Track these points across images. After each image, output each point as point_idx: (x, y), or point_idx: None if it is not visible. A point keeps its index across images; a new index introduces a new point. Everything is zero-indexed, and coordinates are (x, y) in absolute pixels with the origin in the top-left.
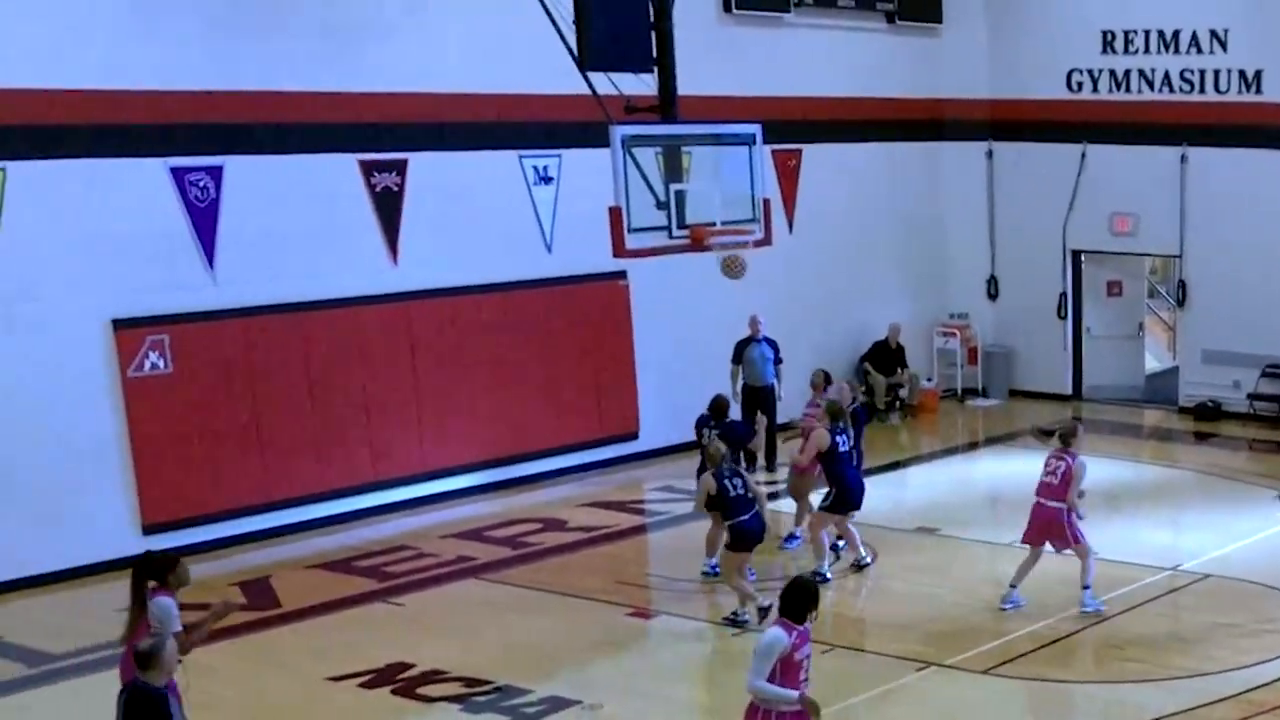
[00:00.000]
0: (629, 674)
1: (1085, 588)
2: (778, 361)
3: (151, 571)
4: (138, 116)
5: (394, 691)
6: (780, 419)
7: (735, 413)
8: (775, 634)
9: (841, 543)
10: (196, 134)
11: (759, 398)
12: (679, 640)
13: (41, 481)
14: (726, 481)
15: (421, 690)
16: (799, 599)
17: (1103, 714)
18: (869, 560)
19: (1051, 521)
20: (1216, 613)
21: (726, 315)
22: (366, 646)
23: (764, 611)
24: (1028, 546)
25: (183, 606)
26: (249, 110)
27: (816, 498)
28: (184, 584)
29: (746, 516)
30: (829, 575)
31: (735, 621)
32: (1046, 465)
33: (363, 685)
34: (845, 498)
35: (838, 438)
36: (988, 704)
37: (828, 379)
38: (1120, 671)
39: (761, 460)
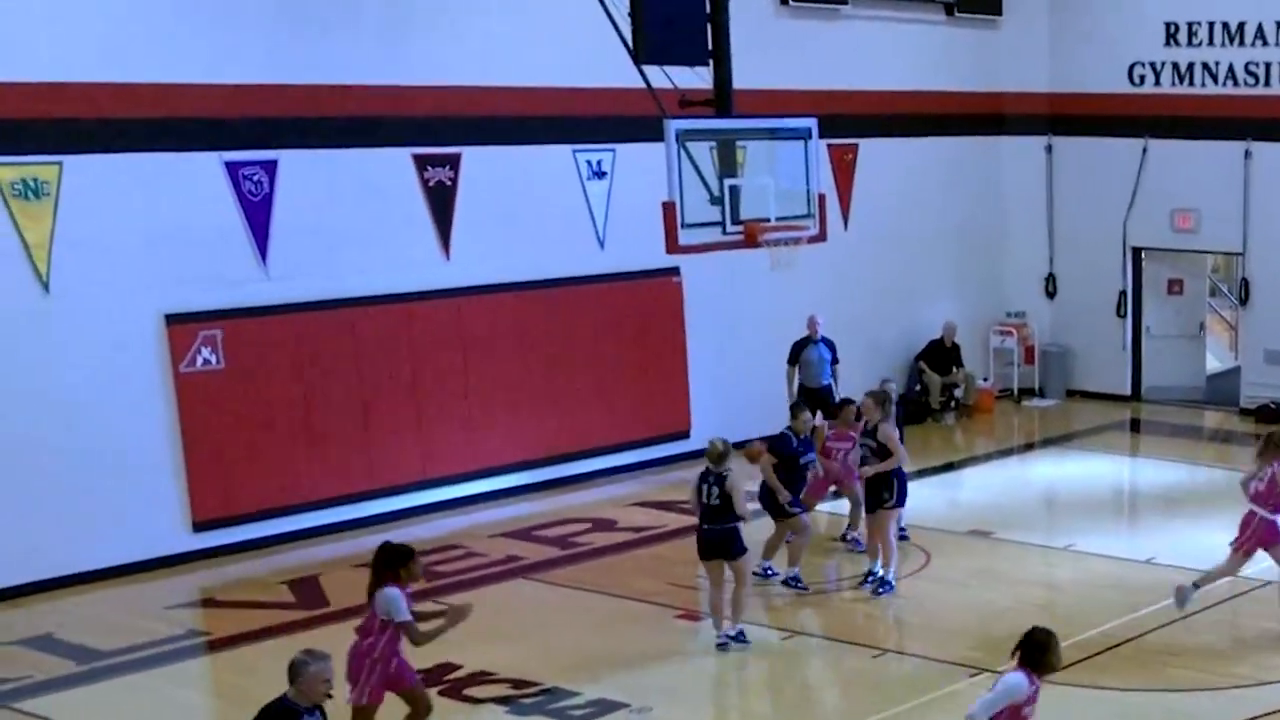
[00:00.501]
0: (678, 678)
1: None
2: (835, 362)
3: (387, 562)
4: (192, 110)
5: (441, 692)
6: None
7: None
8: (1019, 680)
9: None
10: (250, 128)
11: (816, 399)
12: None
13: (92, 478)
14: (703, 485)
15: (468, 691)
16: (1039, 649)
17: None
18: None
19: (1270, 529)
20: (1277, 621)
21: (780, 313)
22: (414, 647)
23: (738, 636)
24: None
25: (226, 604)
26: (303, 104)
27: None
28: (415, 578)
29: (707, 525)
30: (893, 581)
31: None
32: (1259, 472)
33: None
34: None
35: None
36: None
37: (858, 414)
38: (1176, 679)
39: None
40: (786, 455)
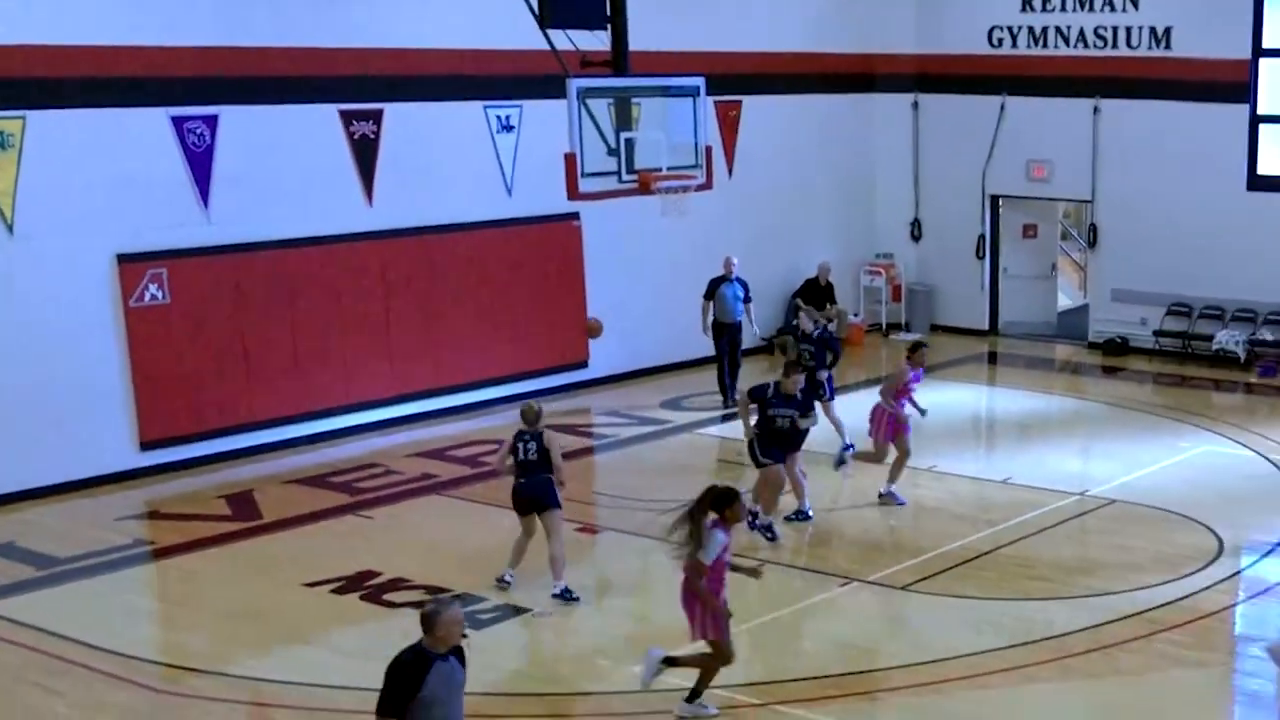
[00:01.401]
0: (576, 583)
1: None
2: (747, 300)
3: (712, 504)
4: (142, 70)
5: (362, 597)
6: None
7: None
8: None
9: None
10: (194, 86)
11: (727, 332)
12: (621, 555)
13: (50, 401)
14: (519, 443)
15: (387, 596)
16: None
17: (1011, 629)
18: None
19: None
20: (1121, 536)
21: (671, 255)
22: (338, 555)
23: (565, 593)
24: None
25: (170, 516)
26: (241, 64)
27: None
28: (737, 520)
29: (524, 480)
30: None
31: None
32: None
33: (334, 591)
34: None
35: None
36: (905, 617)
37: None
38: (1030, 590)
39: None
40: (758, 402)
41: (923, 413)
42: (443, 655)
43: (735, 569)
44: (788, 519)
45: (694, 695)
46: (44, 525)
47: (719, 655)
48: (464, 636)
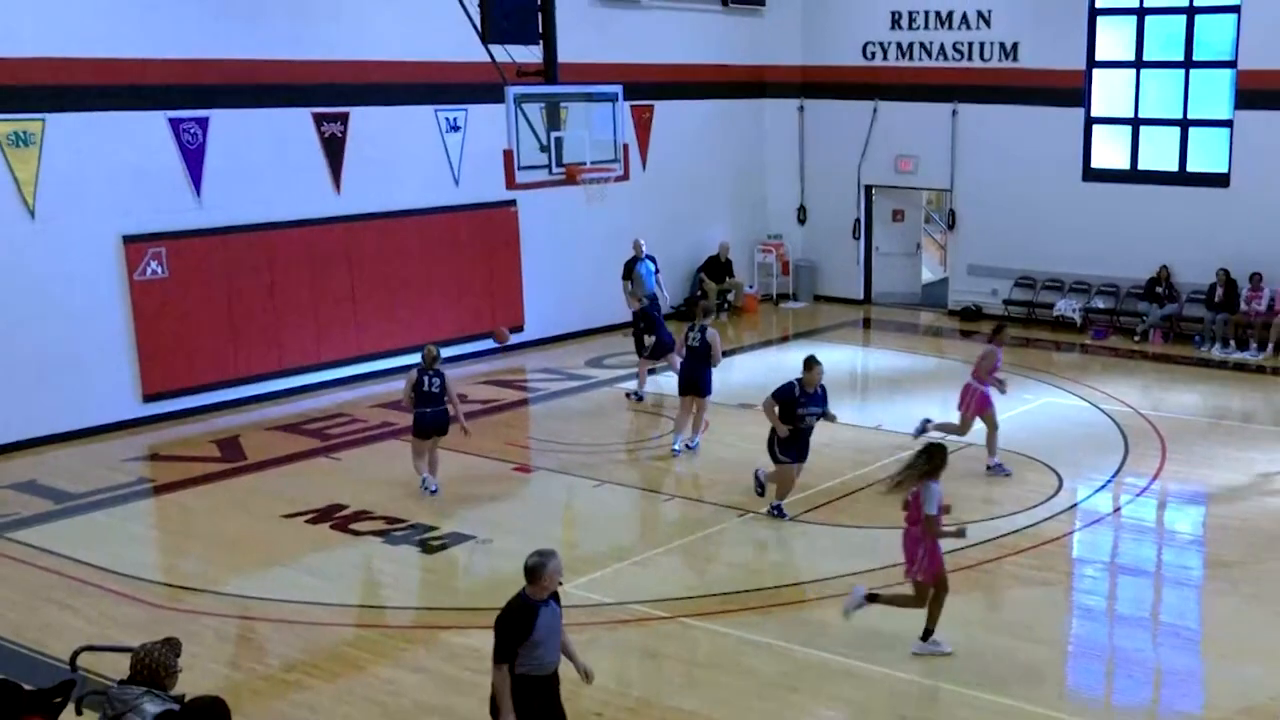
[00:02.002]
0: (512, 516)
1: None
2: (658, 274)
3: (933, 458)
4: (144, 79)
5: (332, 526)
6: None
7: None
8: None
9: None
10: (188, 93)
11: (645, 304)
12: (551, 490)
13: (65, 360)
14: (423, 379)
15: (353, 526)
16: None
17: (881, 554)
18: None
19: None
20: (976, 474)
21: (593, 236)
22: (312, 491)
23: (430, 489)
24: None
25: (168, 458)
26: (228, 74)
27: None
28: (943, 467)
29: (430, 410)
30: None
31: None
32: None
33: (308, 521)
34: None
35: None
36: (792, 542)
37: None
38: (897, 520)
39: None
40: (785, 403)
41: (1002, 389)
42: (544, 601)
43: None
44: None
45: (927, 634)
46: (60, 466)
47: (920, 597)
48: (560, 584)
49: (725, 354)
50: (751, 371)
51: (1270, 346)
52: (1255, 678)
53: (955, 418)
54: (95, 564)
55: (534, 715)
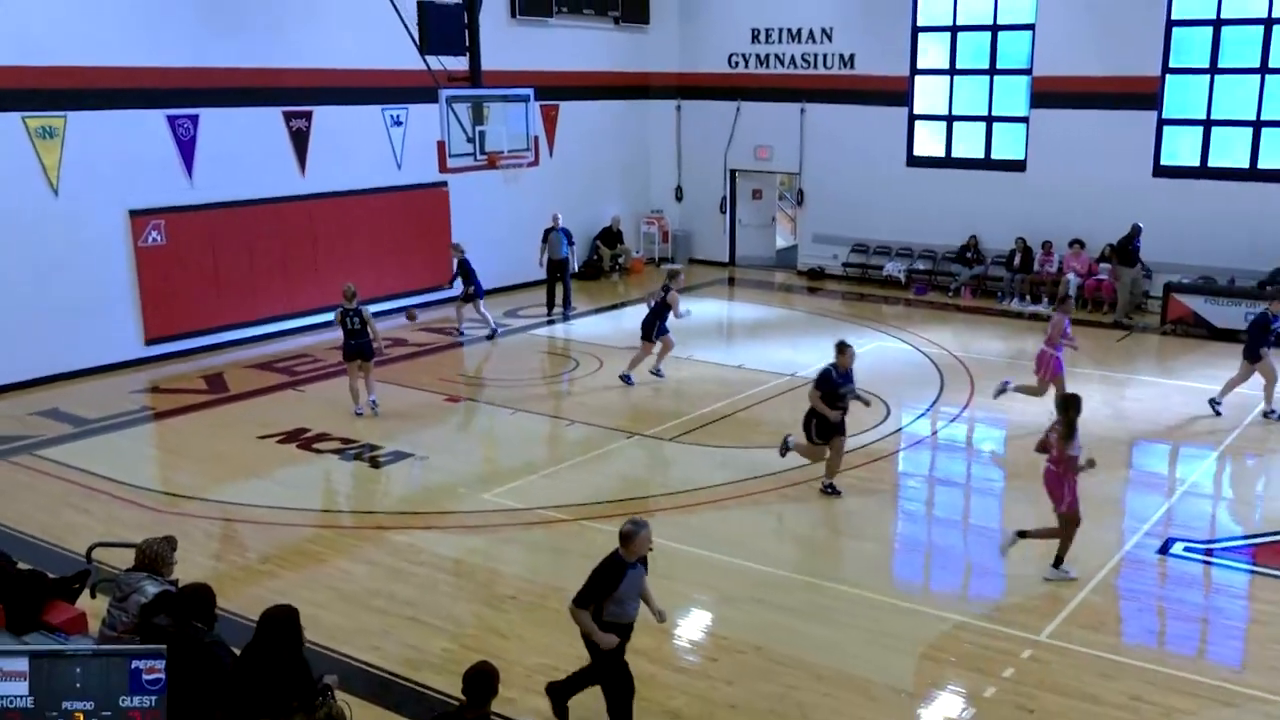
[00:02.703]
0: (444, 437)
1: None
2: (571, 243)
3: (1075, 411)
4: (147, 83)
5: (298, 446)
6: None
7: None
8: None
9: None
10: (183, 94)
11: (556, 266)
12: (475, 417)
13: (83, 311)
14: (346, 318)
15: (315, 445)
16: None
17: (743, 468)
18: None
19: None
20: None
21: (509, 210)
22: (281, 417)
23: (373, 404)
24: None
25: (165, 391)
26: (215, 79)
27: None
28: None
29: (353, 341)
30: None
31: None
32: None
33: (278, 442)
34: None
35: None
36: (669, 459)
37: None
38: (756, 441)
39: (559, 308)
40: (828, 389)
41: (1075, 346)
42: (633, 564)
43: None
44: None
45: (1058, 561)
46: (78, 396)
47: (1070, 524)
48: (650, 549)
49: (616, 306)
50: (637, 319)
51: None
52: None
53: (803, 357)
54: (106, 476)
55: (613, 654)
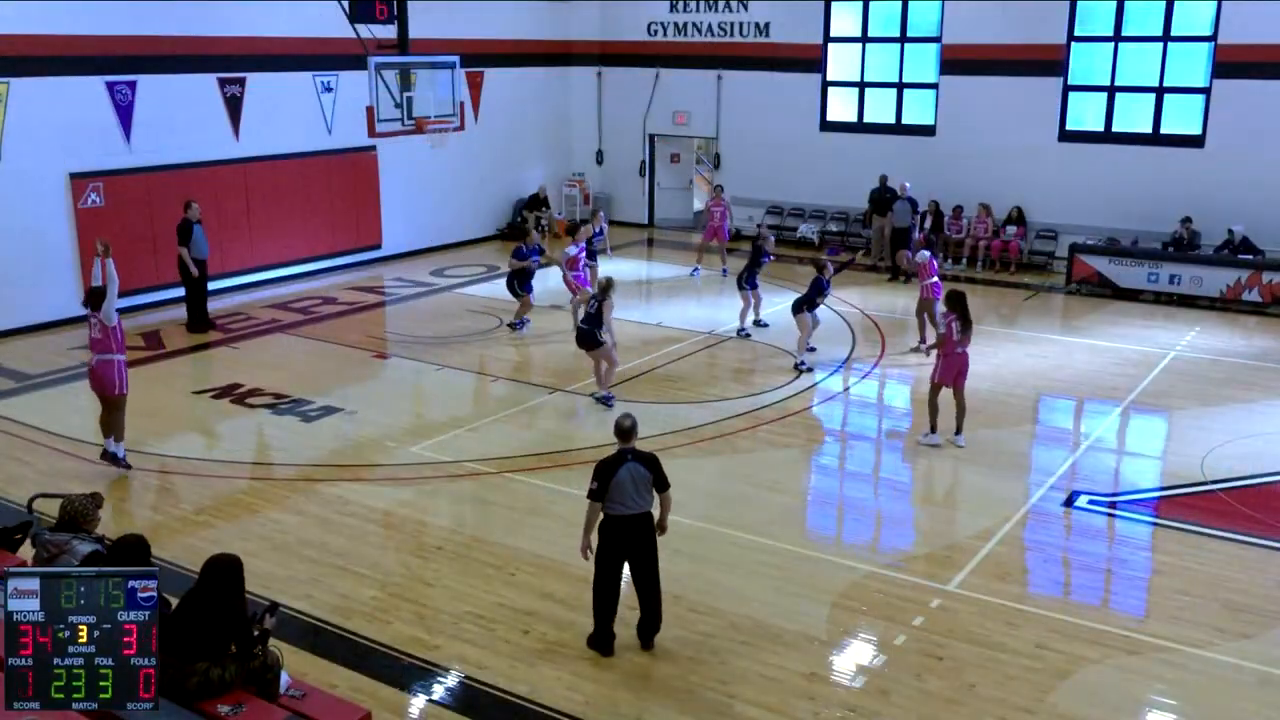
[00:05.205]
0: (373, 393)
1: None
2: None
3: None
4: (87, 50)
5: (231, 401)
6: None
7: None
8: None
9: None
10: (121, 61)
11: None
12: (404, 374)
13: (24, 270)
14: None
15: (248, 401)
16: None
17: (663, 423)
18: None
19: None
20: (736, 361)
21: (435, 173)
22: (215, 373)
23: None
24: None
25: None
26: (152, 46)
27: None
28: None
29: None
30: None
31: None
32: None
33: (213, 397)
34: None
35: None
36: (590, 414)
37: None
38: (676, 396)
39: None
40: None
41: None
42: (629, 460)
43: None
44: None
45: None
46: (19, 351)
47: (935, 391)
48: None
49: (542, 267)
50: (558, 280)
51: (964, 260)
52: (956, 520)
53: (720, 315)
54: (46, 429)
55: (616, 547)
